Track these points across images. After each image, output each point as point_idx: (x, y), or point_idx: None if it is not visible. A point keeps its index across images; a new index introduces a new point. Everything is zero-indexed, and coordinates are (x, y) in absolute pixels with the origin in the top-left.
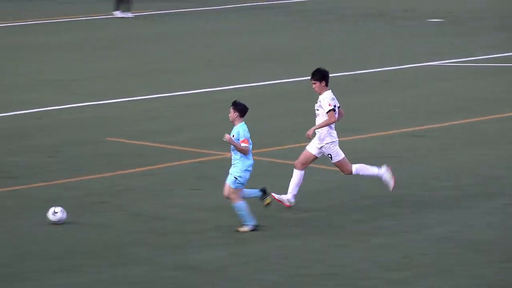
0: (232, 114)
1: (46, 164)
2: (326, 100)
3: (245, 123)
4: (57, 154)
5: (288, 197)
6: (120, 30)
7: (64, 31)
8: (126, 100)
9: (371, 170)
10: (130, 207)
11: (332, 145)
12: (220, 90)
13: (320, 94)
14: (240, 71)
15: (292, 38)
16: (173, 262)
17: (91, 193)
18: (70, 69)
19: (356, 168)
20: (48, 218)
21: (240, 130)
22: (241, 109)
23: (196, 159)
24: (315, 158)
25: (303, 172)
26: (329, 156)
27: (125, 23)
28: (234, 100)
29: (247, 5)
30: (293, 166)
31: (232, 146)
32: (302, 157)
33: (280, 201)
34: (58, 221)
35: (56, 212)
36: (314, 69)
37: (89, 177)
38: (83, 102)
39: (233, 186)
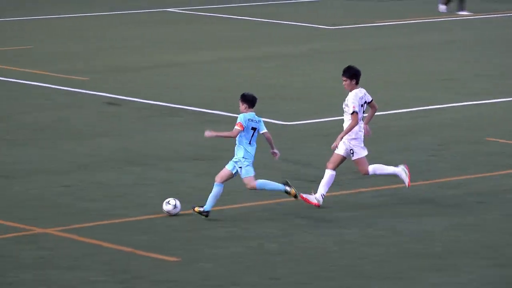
0: (241, 106)
1: (426, 162)
2: (350, 100)
3: (255, 114)
4: (439, 153)
5: (316, 195)
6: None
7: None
8: (508, 100)
9: (388, 169)
10: (505, 208)
11: (355, 141)
12: None
13: (349, 91)
14: None
15: None
16: None
17: (470, 192)
18: (452, 68)
19: (372, 168)
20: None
21: (240, 115)
22: (249, 100)
23: None
24: (344, 158)
25: (334, 172)
26: (351, 151)
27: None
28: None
29: None
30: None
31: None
32: (332, 157)
33: (306, 200)
34: (170, 211)
35: (169, 203)
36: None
37: (468, 176)
38: (465, 102)
39: (241, 176)
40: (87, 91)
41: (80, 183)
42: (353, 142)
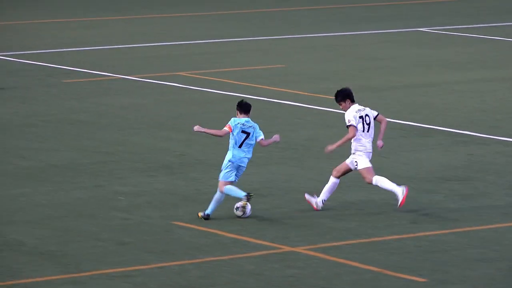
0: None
1: None
2: (346, 115)
3: (250, 119)
4: None
5: (317, 200)
6: None
7: None
8: None
9: (389, 185)
10: None
11: (359, 154)
12: None
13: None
14: None
15: None
16: None
17: None
18: None
19: (375, 179)
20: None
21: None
22: (240, 106)
23: None
24: (349, 169)
25: (337, 180)
26: (355, 163)
27: None
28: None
29: None
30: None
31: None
32: (339, 165)
33: (309, 202)
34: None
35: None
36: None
37: None
38: None
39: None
40: (337, 111)
41: (329, 202)
42: (357, 153)
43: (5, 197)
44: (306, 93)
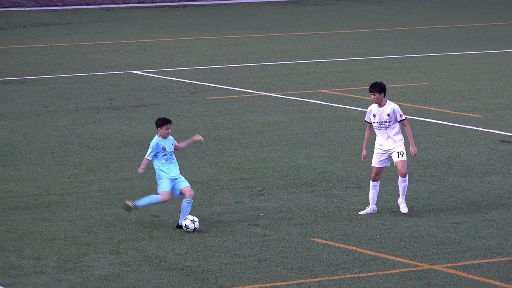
0: None
1: None
2: (398, 108)
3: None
4: None
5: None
6: None
7: None
8: None
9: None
10: None
11: (375, 151)
12: None
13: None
14: None
15: None
16: None
17: None
18: None
19: (376, 183)
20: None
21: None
22: (156, 122)
23: None
24: (381, 168)
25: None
26: (402, 153)
27: None
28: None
29: None
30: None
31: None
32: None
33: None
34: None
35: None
36: None
37: None
38: None
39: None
40: (480, 128)
41: (470, 220)
42: (375, 152)
43: (146, 213)
44: (448, 111)
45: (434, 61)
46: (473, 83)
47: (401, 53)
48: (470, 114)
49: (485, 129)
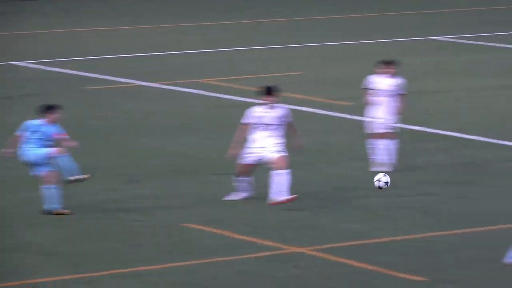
0: None
1: None
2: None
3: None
4: None
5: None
6: None
7: None
8: None
9: None
10: None
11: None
12: None
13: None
14: None
15: None
16: None
17: None
18: None
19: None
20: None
21: None
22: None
23: None
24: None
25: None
26: None
27: None
28: None
29: None
30: None
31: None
32: None
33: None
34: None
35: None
36: None
37: None
38: None
39: None
40: (350, 116)
41: (335, 205)
42: None
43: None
44: (321, 99)
45: (311, 51)
46: (347, 72)
47: (280, 43)
48: (342, 102)
49: (356, 116)
